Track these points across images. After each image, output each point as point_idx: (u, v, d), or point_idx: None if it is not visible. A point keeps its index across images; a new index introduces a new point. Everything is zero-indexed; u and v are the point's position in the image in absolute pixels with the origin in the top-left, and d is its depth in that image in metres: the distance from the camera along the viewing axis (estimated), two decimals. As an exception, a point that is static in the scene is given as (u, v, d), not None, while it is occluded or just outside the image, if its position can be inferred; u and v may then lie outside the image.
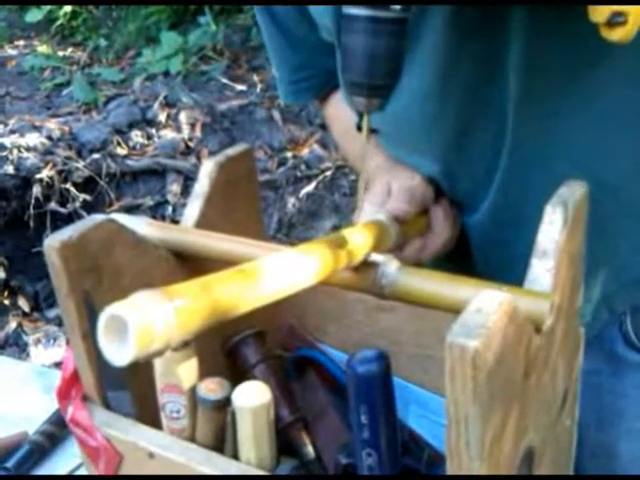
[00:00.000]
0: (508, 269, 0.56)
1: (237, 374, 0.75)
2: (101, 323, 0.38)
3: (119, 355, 0.38)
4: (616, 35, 0.55)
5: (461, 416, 0.42)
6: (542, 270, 0.54)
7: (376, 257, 0.57)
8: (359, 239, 0.57)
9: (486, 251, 0.84)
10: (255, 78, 3.27)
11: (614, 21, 0.54)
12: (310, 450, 0.72)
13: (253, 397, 0.57)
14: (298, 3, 0.80)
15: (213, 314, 0.42)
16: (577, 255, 0.59)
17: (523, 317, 0.46)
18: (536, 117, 0.71)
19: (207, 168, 0.74)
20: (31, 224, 2.75)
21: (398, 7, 0.54)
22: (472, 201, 0.80)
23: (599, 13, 0.55)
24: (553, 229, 0.55)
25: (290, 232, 2.76)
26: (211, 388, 0.57)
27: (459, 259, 0.83)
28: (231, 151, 0.77)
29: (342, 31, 0.58)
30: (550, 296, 0.51)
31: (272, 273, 0.47)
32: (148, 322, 0.38)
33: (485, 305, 0.43)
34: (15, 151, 2.75)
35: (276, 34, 0.89)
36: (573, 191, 0.57)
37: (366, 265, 0.57)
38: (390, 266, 0.56)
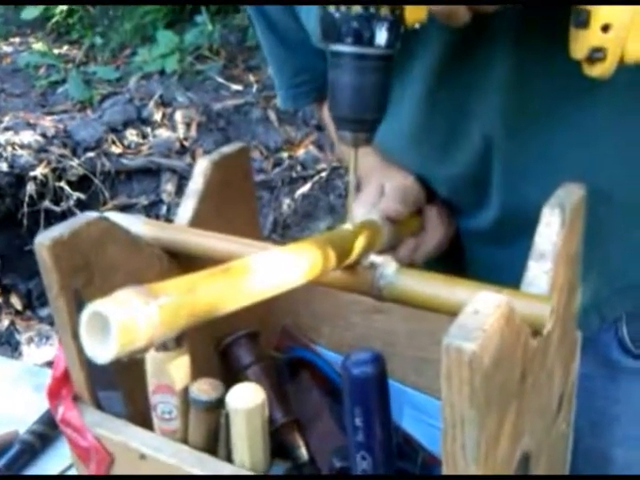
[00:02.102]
0: (501, 272, 0.55)
1: (230, 375, 0.74)
2: (83, 320, 0.38)
3: (101, 352, 0.37)
4: (596, 71, 0.56)
5: (457, 419, 0.42)
6: (539, 272, 0.53)
7: (374, 258, 0.56)
8: (351, 239, 0.56)
9: (481, 255, 0.83)
10: (251, 78, 3.27)
11: (594, 57, 0.55)
12: (303, 452, 0.72)
13: (247, 399, 0.56)
14: (295, 3, 0.79)
15: (198, 312, 0.42)
16: (574, 257, 0.59)
17: (520, 319, 0.45)
18: (525, 129, 0.71)
19: (202, 166, 0.73)
20: (24, 222, 2.74)
21: (383, 44, 0.55)
22: (470, 208, 0.80)
23: (579, 50, 0.57)
24: (551, 231, 0.54)
25: (285, 233, 2.75)
26: (204, 389, 0.56)
27: (451, 261, 0.83)
28: (226, 149, 0.76)
29: (329, 68, 0.59)
30: (550, 300, 0.51)
31: (259, 272, 0.46)
32: (130, 319, 0.37)
33: (482, 307, 0.42)
34: (9, 148, 2.74)
35: (273, 40, 0.88)
36: (571, 193, 0.57)
37: (364, 266, 0.56)
38: (388, 268, 0.55)
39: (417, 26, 0.56)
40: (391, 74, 0.58)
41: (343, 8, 0.54)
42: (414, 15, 0.55)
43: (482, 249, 0.82)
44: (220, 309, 0.43)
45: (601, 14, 0.54)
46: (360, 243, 0.57)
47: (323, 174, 2.82)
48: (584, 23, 0.55)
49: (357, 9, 0.54)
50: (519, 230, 0.59)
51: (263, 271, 0.47)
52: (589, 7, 0.55)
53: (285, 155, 2.89)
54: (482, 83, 0.69)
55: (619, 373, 0.83)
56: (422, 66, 0.70)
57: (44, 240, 0.58)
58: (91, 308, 0.37)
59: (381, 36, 0.54)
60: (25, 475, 0.92)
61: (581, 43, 0.56)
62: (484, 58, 0.68)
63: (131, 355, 0.38)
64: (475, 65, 0.69)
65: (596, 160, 0.70)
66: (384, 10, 0.54)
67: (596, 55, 0.56)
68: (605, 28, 0.54)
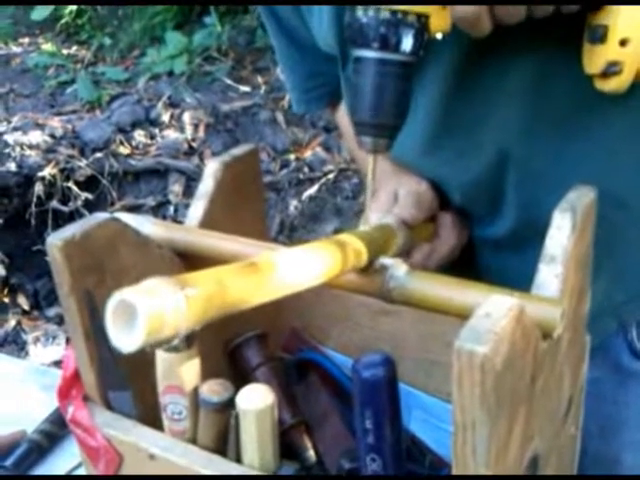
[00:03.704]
0: (514, 279, 0.55)
1: (239, 376, 0.74)
2: (109, 308, 0.37)
3: (126, 341, 0.37)
4: (610, 85, 0.58)
5: (468, 422, 0.42)
6: (550, 276, 0.53)
7: (384, 260, 0.56)
8: (368, 240, 0.56)
9: (494, 262, 0.83)
10: (259, 80, 3.27)
11: (610, 71, 0.56)
12: (311, 454, 0.72)
13: (257, 400, 0.56)
14: (300, 3, 0.79)
15: (224, 304, 0.42)
16: (584, 261, 0.59)
17: (531, 322, 0.45)
18: (541, 138, 0.71)
19: (212, 168, 0.73)
20: (32, 222, 2.75)
21: (408, 50, 0.56)
22: (484, 216, 0.80)
23: (594, 65, 0.57)
24: (561, 234, 0.54)
25: (292, 235, 2.75)
26: (214, 390, 0.57)
27: (463, 268, 0.83)
28: (236, 151, 0.76)
29: (351, 73, 0.60)
30: (561, 303, 0.50)
31: (284, 268, 0.47)
32: (159, 308, 0.37)
33: (494, 310, 0.42)
34: (18, 149, 2.75)
35: (285, 45, 0.89)
36: (581, 197, 0.57)
37: (374, 268, 0.56)
38: (398, 269, 0.55)
39: (439, 36, 0.57)
40: (412, 82, 0.59)
41: (371, 13, 0.55)
42: (439, 24, 0.56)
43: (495, 256, 0.82)
44: (245, 302, 0.44)
45: (620, 29, 0.55)
46: (377, 245, 0.57)
47: (330, 176, 2.82)
48: (601, 38, 0.56)
49: (385, 14, 0.54)
50: (534, 238, 0.59)
51: (288, 268, 0.47)
52: (607, 22, 0.55)
53: (292, 157, 2.89)
54: (498, 92, 0.69)
55: (628, 378, 0.83)
56: (437, 73, 0.70)
57: (56, 240, 0.58)
58: (118, 296, 0.37)
59: (407, 42, 0.55)
60: (33, 475, 0.92)
61: (597, 58, 0.57)
62: (500, 67, 0.68)
63: (156, 345, 0.38)
64: (491, 74, 0.69)
65: (612, 168, 0.70)
66: (411, 17, 0.55)
67: (612, 69, 0.56)
68: (623, 42, 0.56)
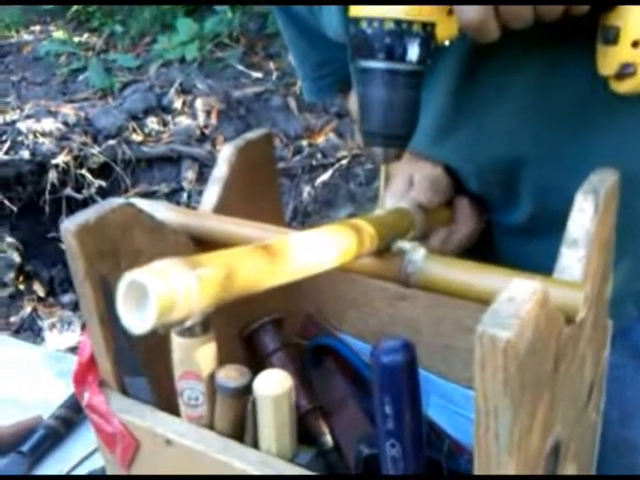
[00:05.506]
0: (534, 265, 0.54)
1: (255, 361, 0.74)
2: (120, 289, 0.37)
3: (138, 322, 0.37)
4: (625, 87, 0.58)
5: (491, 407, 0.41)
6: (573, 259, 0.52)
7: (402, 244, 0.56)
8: (384, 224, 0.55)
9: (513, 247, 0.82)
10: (271, 66, 3.26)
11: (624, 73, 0.55)
12: (328, 439, 0.71)
13: (275, 385, 0.56)
14: (306, 3, 0.79)
15: (235, 286, 0.41)
16: (607, 244, 0.58)
17: (554, 307, 0.44)
18: (556, 123, 0.70)
19: (226, 152, 0.73)
20: (46, 209, 2.76)
21: (415, 60, 0.55)
22: (502, 203, 0.79)
23: (608, 66, 0.57)
24: (584, 217, 0.53)
25: (305, 220, 2.75)
26: (231, 375, 0.56)
27: (481, 253, 0.82)
28: (250, 135, 0.75)
29: (359, 84, 0.59)
30: (583, 287, 0.50)
31: (297, 250, 0.46)
32: (170, 289, 0.36)
33: (517, 294, 0.41)
34: (31, 136, 2.76)
35: (294, 33, 0.88)
36: (604, 179, 0.56)
37: (392, 252, 0.55)
38: (416, 254, 0.54)
39: (447, 43, 0.56)
40: (421, 90, 0.58)
41: (376, 24, 0.54)
42: (445, 31, 0.55)
43: (514, 242, 0.81)
44: (257, 285, 0.43)
45: (631, 30, 0.55)
46: (393, 229, 0.56)
47: (343, 162, 2.81)
48: (614, 39, 0.56)
49: (390, 25, 0.53)
50: (553, 223, 0.58)
51: (301, 250, 0.46)
52: (619, 24, 0.55)
53: (305, 143, 2.89)
54: (508, 84, 0.68)
55: (649, 363, 0.82)
56: (447, 66, 0.69)
57: (70, 226, 0.57)
58: (129, 277, 0.37)
59: (413, 52, 0.54)
60: (30, 475, 0.92)
61: (610, 59, 0.57)
62: (510, 60, 0.67)
63: (169, 327, 0.38)
64: (501, 66, 0.67)
65: (631, 152, 0.69)
66: (416, 26, 0.53)
67: (626, 70, 0.56)
68: (635, 44, 0.56)
